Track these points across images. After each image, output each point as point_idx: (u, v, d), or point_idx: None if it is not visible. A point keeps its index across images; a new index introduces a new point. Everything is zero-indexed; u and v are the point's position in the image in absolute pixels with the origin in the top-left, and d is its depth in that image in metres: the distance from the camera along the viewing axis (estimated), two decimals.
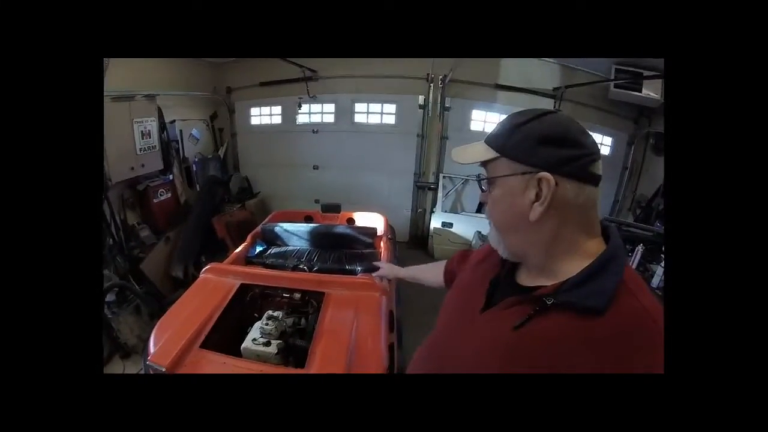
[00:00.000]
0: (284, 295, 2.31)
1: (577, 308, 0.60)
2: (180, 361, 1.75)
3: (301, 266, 2.82)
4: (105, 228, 3.21)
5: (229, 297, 2.18)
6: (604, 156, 4.67)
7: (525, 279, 0.74)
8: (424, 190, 5.27)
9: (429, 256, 4.80)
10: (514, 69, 4.46)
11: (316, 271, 2.81)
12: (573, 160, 0.63)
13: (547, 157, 0.63)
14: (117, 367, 2.78)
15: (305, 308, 2.25)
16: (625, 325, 0.58)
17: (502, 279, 0.78)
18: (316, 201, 5.04)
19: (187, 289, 2.36)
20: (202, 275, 2.46)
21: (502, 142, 0.67)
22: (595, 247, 0.66)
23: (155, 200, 3.98)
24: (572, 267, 0.65)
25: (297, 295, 2.28)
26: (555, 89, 4.39)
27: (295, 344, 1.93)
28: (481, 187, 0.74)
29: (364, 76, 4.85)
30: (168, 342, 1.87)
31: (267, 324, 1.91)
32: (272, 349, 1.83)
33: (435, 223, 4.78)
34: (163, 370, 1.73)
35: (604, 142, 4.65)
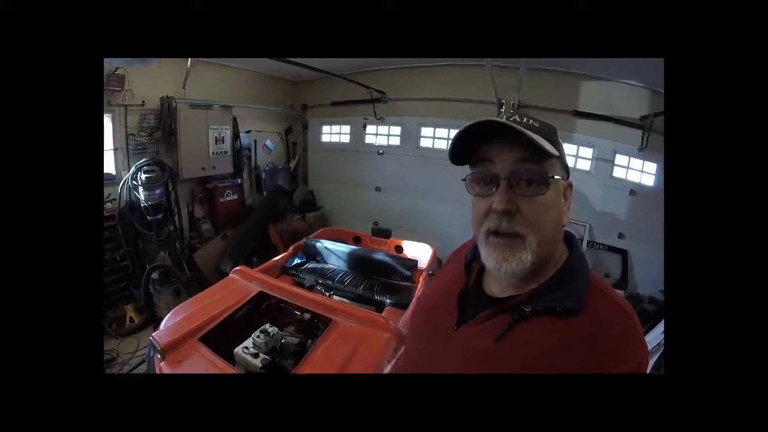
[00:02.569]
0: (296, 312, 2.38)
1: (555, 311, 0.63)
2: (175, 346, 1.92)
3: (318, 287, 2.87)
4: (168, 216, 3.74)
5: (244, 301, 2.32)
6: None
7: (496, 290, 0.74)
8: None
9: None
10: (595, 94, 4.06)
11: (342, 295, 2.85)
12: None
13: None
14: (148, 333, 3.13)
15: (317, 330, 2.26)
16: (602, 320, 0.62)
17: (471, 293, 0.78)
18: (375, 222, 5.15)
19: (213, 284, 2.59)
20: (230, 275, 2.67)
21: (556, 141, 0.68)
22: (561, 251, 0.71)
23: (221, 199, 4.46)
24: (544, 273, 0.68)
25: (307, 315, 2.32)
26: (643, 118, 3.85)
27: (280, 365, 1.97)
28: (513, 182, 0.65)
29: (431, 99, 4.88)
30: (174, 325, 2.07)
31: (259, 337, 1.98)
32: (257, 362, 1.87)
33: None
34: (159, 348, 1.90)
35: None
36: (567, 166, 0.71)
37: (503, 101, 4.38)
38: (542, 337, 0.63)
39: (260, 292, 2.43)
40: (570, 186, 0.71)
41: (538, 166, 0.64)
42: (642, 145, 3.93)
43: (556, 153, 0.64)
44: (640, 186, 4.13)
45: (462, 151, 0.70)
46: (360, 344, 1.97)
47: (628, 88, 3.89)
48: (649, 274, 3.98)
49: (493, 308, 0.70)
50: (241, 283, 2.54)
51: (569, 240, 0.73)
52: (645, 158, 4.03)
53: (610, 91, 4.00)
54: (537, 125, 0.67)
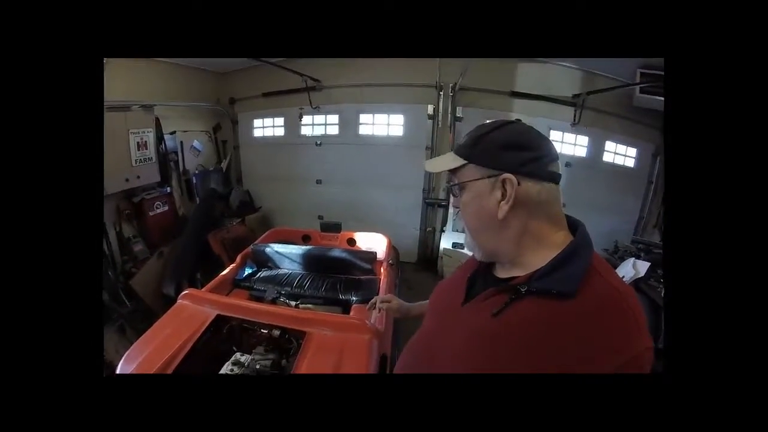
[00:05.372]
0: (263, 330, 2.20)
1: (549, 294, 0.68)
2: None
3: (281, 299, 2.73)
4: None
5: (203, 328, 2.10)
6: (629, 169, 4.58)
7: (501, 272, 0.82)
8: (433, 207, 5.19)
9: (439, 279, 4.69)
10: (530, 75, 4.42)
11: (307, 299, 2.75)
12: (533, 161, 0.74)
13: (509, 161, 0.74)
14: None
15: (289, 344, 2.13)
16: (595, 304, 0.66)
17: (480, 274, 0.87)
18: (320, 217, 5.06)
19: (162, 316, 2.30)
20: (179, 301, 2.40)
21: (468, 150, 0.79)
22: (562, 238, 0.75)
23: (151, 213, 4.07)
24: (542, 258, 0.73)
25: (276, 332, 2.16)
26: (575, 96, 4.31)
27: None
28: (452, 194, 0.84)
29: (369, 84, 4.88)
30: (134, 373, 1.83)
31: (232, 370, 1.86)
32: None
33: (445, 243, 4.58)
34: None
35: (628, 154, 4.54)
36: (499, 163, 0.74)
37: (442, 85, 4.58)
38: (535, 318, 0.69)
39: (218, 316, 2.22)
40: (505, 180, 0.73)
41: (455, 177, 0.81)
42: (574, 120, 4.39)
43: (460, 163, 0.79)
44: (573, 158, 4.61)
45: None
46: (343, 353, 1.93)
47: (561, 69, 4.29)
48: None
49: (495, 287, 0.77)
50: (194, 309, 2.29)
51: (574, 225, 0.78)
52: (577, 132, 4.52)
53: (544, 72, 4.37)
54: (462, 141, 0.81)
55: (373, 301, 1.44)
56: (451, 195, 0.85)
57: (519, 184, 0.73)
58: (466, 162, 0.78)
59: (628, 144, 4.51)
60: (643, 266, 3.04)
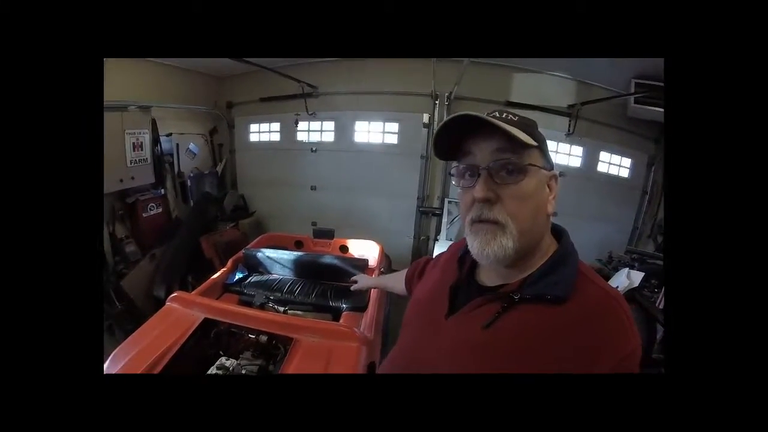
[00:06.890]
0: (250, 335, 2.23)
1: (543, 299, 0.68)
2: None
3: (270, 304, 2.75)
4: None
5: (190, 332, 2.12)
6: (623, 179, 4.64)
7: (486, 280, 0.81)
8: (427, 215, 5.24)
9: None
10: (525, 85, 4.49)
11: (296, 305, 2.78)
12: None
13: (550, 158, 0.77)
14: None
15: (276, 350, 2.16)
16: (590, 308, 0.66)
17: (463, 283, 0.83)
18: (313, 223, 5.09)
19: (149, 318, 2.32)
20: (167, 303, 2.42)
21: (535, 134, 0.73)
22: (549, 243, 0.76)
23: (144, 214, 4.09)
24: (532, 263, 0.74)
25: (263, 338, 2.18)
26: (570, 106, 4.40)
27: None
28: (499, 172, 0.71)
29: (365, 92, 4.97)
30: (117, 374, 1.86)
31: (217, 374, 1.88)
32: None
33: (438, 252, 4.58)
34: None
35: (622, 164, 4.61)
36: (549, 158, 0.77)
37: (437, 93, 4.64)
38: (530, 325, 0.67)
39: (205, 319, 2.25)
40: (554, 177, 0.76)
41: (515, 155, 0.70)
42: (569, 131, 4.47)
43: (533, 143, 0.71)
44: (567, 168, 4.66)
45: (445, 146, 0.78)
46: (330, 361, 1.95)
47: (556, 79, 4.39)
48: (582, 246, 4.52)
49: (483, 297, 0.75)
50: (182, 312, 2.31)
51: (558, 231, 0.79)
52: (572, 143, 4.59)
53: (539, 82, 4.45)
54: (515, 119, 0.74)
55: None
56: (480, 177, 0.71)
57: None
58: (536, 144, 0.72)
59: (623, 154, 4.58)
60: (638, 276, 3.07)
